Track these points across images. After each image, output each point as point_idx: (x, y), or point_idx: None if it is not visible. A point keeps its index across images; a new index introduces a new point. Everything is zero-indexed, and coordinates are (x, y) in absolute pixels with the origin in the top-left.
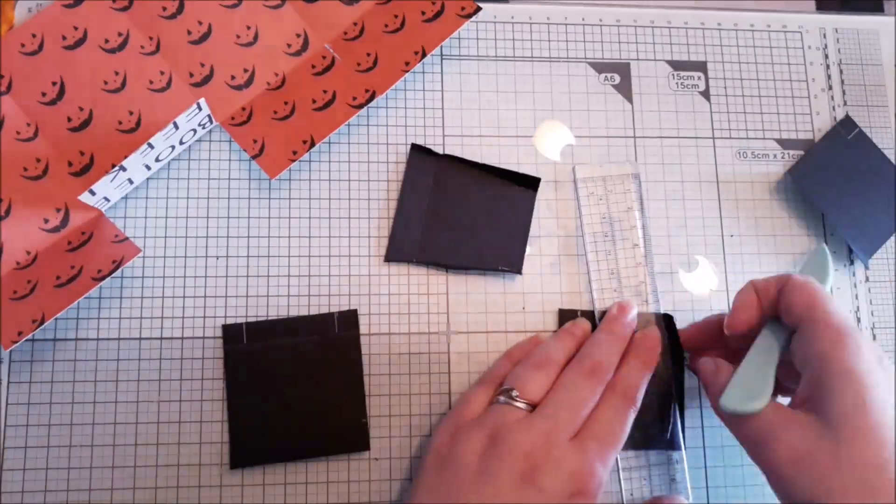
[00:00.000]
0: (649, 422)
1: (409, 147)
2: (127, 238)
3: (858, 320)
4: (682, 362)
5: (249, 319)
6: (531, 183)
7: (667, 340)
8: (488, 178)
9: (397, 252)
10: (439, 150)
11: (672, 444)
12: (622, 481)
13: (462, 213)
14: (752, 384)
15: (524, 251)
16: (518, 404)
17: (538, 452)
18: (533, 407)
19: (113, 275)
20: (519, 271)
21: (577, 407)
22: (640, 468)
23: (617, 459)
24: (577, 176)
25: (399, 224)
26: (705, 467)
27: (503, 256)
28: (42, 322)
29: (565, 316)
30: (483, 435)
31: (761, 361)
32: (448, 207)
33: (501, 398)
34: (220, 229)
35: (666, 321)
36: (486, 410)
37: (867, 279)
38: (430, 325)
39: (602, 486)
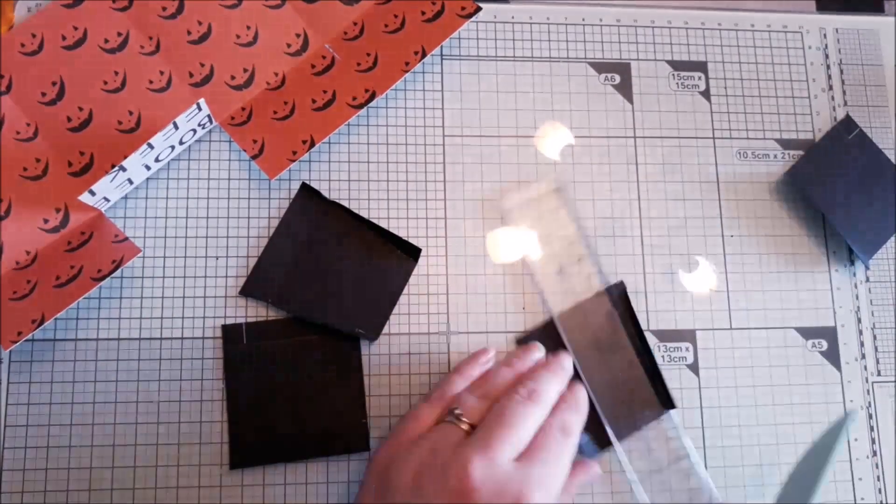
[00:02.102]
0: (635, 401)
1: (408, 147)
2: (127, 238)
3: (859, 320)
4: (639, 328)
5: (249, 319)
6: (412, 252)
7: (621, 311)
8: (370, 235)
9: (255, 288)
10: (440, 149)
11: (666, 404)
12: (638, 494)
13: (334, 264)
14: None
15: (387, 319)
16: (462, 425)
17: (475, 476)
18: (474, 428)
19: (113, 275)
20: (375, 338)
21: (514, 426)
22: (654, 472)
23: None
24: (505, 207)
25: (265, 260)
26: (705, 468)
27: (364, 319)
28: (42, 322)
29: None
30: (422, 453)
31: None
32: (321, 257)
33: (448, 418)
34: (220, 229)
35: (619, 292)
36: (431, 429)
37: (867, 279)
38: (430, 325)
39: None
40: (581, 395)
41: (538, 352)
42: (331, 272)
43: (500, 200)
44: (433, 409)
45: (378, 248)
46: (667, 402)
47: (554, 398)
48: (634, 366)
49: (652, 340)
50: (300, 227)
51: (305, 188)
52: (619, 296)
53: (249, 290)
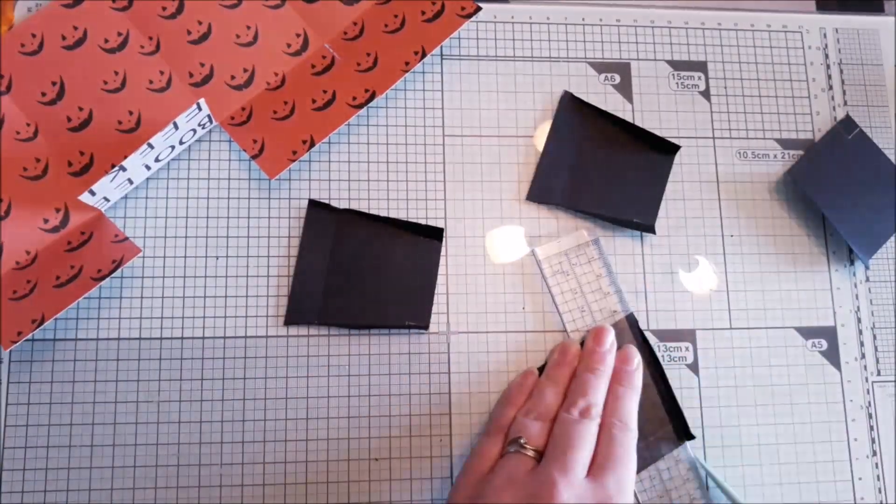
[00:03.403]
0: (650, 433)
1: (408, 147)
2: (127, 238)
3: (859, 320)
4: (654, 356)
5: (249, 318)
6: (435, 234)
7: (640, 344)
8: (390, 230)
9: (297, 315)
10: (439, 149)
11: (683, 436)
12: (637, 494)
13: (365, 268)
14: None
15: (431, 304)
16: (528, 452)
17: (564, 493)
18: (541, 454)
19: (113, 275)
20: (426, 327)
21: (579, 446)
22: (653, 479)
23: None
24: (539, 257)
25: (298, 285)
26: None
27: (410, 312)
28: (42, 322)
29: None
30: (500, 485)
31: None
32: (350, 264)
33: (512, 448)
34: (220, 229)
35: (630, 322)
36: (499, 461)
37: (867, 279)
38: (430, 324)
39: None
40: (631, 367)
41: (573, 349)
42: (364, 277)
43: (534, 250)
44: (494, 441)
45: (401, 240)
46: (684, 434)
47: (603, 395)
48: (651, 393)
49: (652, 340)
50: (320, 244)
51: (314, 204)
52: (630, 326)
53: (291, 319)
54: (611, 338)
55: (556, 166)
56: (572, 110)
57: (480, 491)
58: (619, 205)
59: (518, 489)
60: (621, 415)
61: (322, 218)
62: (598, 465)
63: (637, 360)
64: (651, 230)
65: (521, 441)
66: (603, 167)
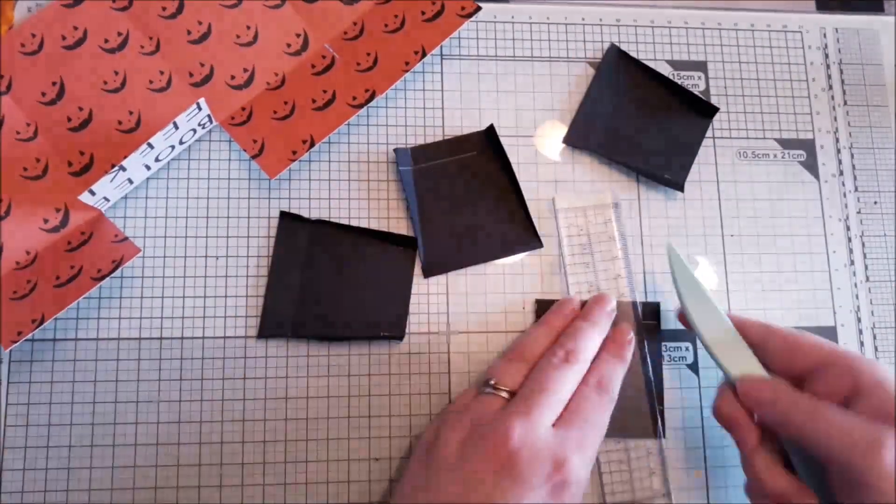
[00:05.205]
0: (629, 412)
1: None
2: (127, 238)
3: (859, 320)
4: (656, 350)
5: (249, 318)
6: (408, 242)
7: (640, 331)
8: (363, 240)
9: (271, 328)
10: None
11: (653, 433)
12: (602, 475)
13: (338, 279)
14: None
15: (406, 313)
16: (501, 394)
17: (515, 439)
18: (513, 395)
19: (113, 275)
20: (401, 337)
21: (552, 391)
22: (621, 462)
23: (598, 459)
24: (557, 207)
25: (271, 298)
26: (706, 467)
27: (384, 321)
28: (42, 322)
29: (543, 306)
30: (464, 424)
31: None
32: (323, 275)
33: (486, 389)
34: (220, 229)
35: (650, 308)
36: (471, 403)
37: (867, 279)
38: (430, 325)
39: (584, 479)
40: (624, 340)
41: (573, 303)
42: (338, 288)
43: (553, 199)
44: (474, 387)
45: (374, 250)
46: (658, 431)
47: (594, 350)
48: (637, 379)
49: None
50: (293, 256)
51: (285, 216)
52: (647, 314)
53: (265, 332)
54: (613, 303)
55: (595, 115)
56: (617, 63)
57: (441, 429)
58: (652, 159)
59: (477, 427)
60: (604, 378)
61: (293, 230)
62: (564, 419)
63: (631, 336)
64: (680, 188)
65: (492, 382)
66: (641, 121)
